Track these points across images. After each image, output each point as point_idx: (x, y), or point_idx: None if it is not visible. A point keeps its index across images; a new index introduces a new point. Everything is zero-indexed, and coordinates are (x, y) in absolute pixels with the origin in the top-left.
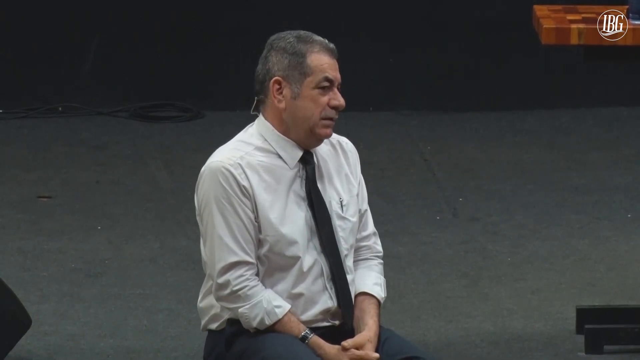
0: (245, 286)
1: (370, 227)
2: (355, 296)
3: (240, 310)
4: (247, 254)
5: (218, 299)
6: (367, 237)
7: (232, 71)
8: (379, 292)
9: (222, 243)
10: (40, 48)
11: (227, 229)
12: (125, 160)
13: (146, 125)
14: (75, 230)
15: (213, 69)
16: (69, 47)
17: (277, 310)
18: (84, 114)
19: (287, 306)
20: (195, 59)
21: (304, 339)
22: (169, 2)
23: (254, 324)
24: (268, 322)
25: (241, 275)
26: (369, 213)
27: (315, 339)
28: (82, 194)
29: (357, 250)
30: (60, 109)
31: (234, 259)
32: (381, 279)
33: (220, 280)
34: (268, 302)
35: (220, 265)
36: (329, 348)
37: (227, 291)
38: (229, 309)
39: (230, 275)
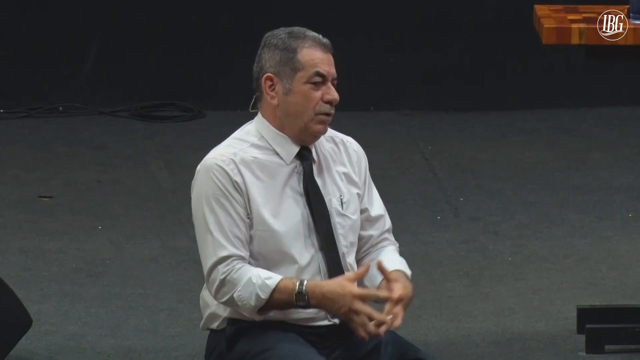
0: (231, 269)
1: (388, 224)
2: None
3: (234, 295)
4: (237, 248)
5: (214, 296)
6: (383, 234)
7: (232, 71)
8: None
9: (213, 238)
10: (40, 48)
11: (217, 224)
12: (126, 160)
13: (147, 125)
14: (76, 230)
15: (214, 68)
16: (69, 47)
17: (268, 282)
18: (85, 113)
19: (277, 276)
20: (195, 59)
21: (300, 292)
22: (169, 2)
23: (253, 302)
24: (264, 295)
25: (227, 264)
26: (386, 217)
27: (310, 283)
28: (83, 193)
29: (375, 245)
30: (61, 108)
31: (224, 253)
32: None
33: (211, 275)
34: (257, 277)
35: (211, 260)
36: (331, 284)
37: (217, 283)
38: (227, 303)
39: (218, 269)
